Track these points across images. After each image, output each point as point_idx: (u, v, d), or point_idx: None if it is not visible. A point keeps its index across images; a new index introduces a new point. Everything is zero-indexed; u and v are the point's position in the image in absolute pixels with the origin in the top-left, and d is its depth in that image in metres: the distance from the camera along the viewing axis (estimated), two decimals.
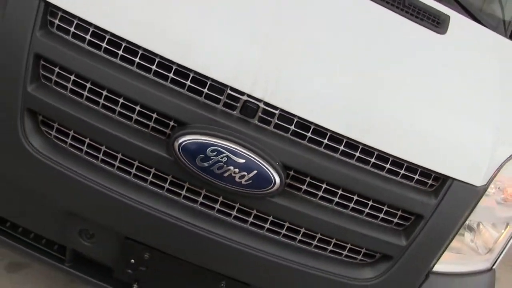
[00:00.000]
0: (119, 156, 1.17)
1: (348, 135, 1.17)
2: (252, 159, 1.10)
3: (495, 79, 1.47)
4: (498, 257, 1.53)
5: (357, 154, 1.19)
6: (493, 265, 1.54)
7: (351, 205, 1.22)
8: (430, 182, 1.25)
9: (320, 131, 1.17)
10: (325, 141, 1.17)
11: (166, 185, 1.18)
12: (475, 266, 1.49)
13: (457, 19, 1.55)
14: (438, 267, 1.37)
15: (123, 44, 1.12)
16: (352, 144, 1.18)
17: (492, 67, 1.51)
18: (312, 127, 1.16)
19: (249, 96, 1.14)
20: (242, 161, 1.10)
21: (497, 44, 1.66)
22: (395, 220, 1.26)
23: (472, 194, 1.27)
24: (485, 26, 1.71)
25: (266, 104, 1.14)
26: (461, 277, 1.44)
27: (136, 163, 1.17)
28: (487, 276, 1.53)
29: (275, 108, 1.14)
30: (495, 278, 1.62)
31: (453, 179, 1.24)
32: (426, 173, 1.24)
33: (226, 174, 1.10)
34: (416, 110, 1.26)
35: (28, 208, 1.26)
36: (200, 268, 1.23)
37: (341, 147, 1.18)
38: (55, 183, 1.18)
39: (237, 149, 1.10)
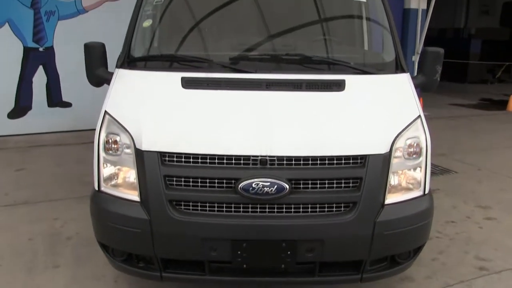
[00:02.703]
0: (216, 204, 2.47)
1: (311, 155, 2.47)
2: (272, 181, 2.40)
3: (377, 100, 2.79)
4: (425, 186, 2.74)
5: (319, 161, 2.48)
6: (425, 192, 2.74)
7: (326, 185, 2.48)
8: (360, 161, 2.52)
9: (299, 157, 2.47)
10: (302, 162, 2.47)
11: (241, 209, 2.47)
12: (413, 195, 2.70)
13: (351, 79, 2.87)
14: (389, 201, 2.59)
15: (200, 156, 2.47)
16: (315, 157, 2.48)
17: (374, 94, 2.83)
18: (293, 157, 2.46)
19: (261, 156, 2.45)
20: (268, 183, 2.40)
21: (378, 80, 2.99)
22: (351, 184, 2.51)
23: (382, 158, 2.53)
24: (373, 73, 3.03)
25: (269, 157, 2.46)
26: (405, 203, 2.65)
27: (224, 205, 2.47)
28: (424, 199, 2.74)
29: (273, 157, 2.46)
30: (433, 200, 2.81)
31: (369, 155, 2.51)
32: (356, 157, 2.52)
33: (264, 192, 2.40)
34: (339, 130, 2.57)
35: (180, 246, 2.54)
36: (270, 240, 2.48)
37: (310, 162, 2.47)
38: (192, 227, 2.47)
39: (265, 180, 2.41)
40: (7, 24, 7.42)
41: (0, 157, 6.55)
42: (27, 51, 7.65)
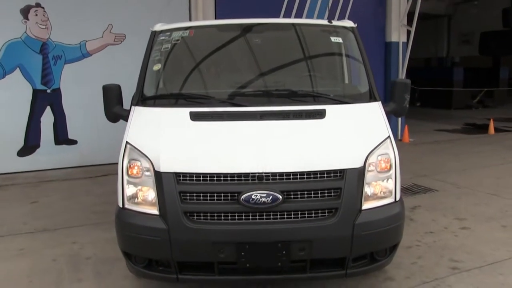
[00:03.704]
0: (222, 214, 2.99)
1: (299, 171, 3.02)
2: (268, 193, 2.94)
3: (352, 124, 3.36)
4: (396, 193, 3.27)
5: (305, 175, 3.02)
6: (396, 199, 3.28)
7: (312, 194, 3.02)
8: (339, 174, 3.07)
9: (289, 173, 3.01)
10: (291, 176, 3.01)
11: (243, 217, 2.99)
12: (386, 202, 3.24)
13: (331, 108, 3.46)
14: (365, 207, 3.12)
15: (208, 174, 3.00)
16: (303, 172, 3.02)
17: (350, 120, 3.40)
18: (285, 173, 3.01)
19: (258, 173, 3.00)
20: (265, 195, 2.94)
21: (354, 108, 3.57)
22: (333, 194, 3.05)
23: (357, 171, 3.09)
24: (349, 103, 3.63)
25: (264, 173, 3.00)
26: (379, 208, 3.18)
27: (229, 214, 2.99)
28: (395, 204, 3.28)
29: (268, 173, 3.01)
30: (403, 205, 3.34)
31: (346, 169, 3.06)
32: (336, 171, 3.06)
33: (261, 202, 2.93)
34: (321, 150, 3.13)
35: (193, 250, 3.04)
36: (268, 242, 2.99)
37: (298, 176, 3.02)
38: (203, 234, 2.98)
39: (262, 192, 2.94)
40: (18, 68, 8.01)
41: (13, 192, 7.02)
42: (35, 93, 8.20)
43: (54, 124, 8.42)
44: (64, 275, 4.08)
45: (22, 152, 8.22)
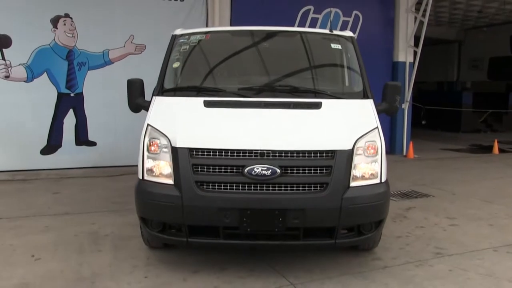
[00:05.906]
0: (228, 184, 3.46)
1: (295, 149, 3.50)
2: (268, 166, 3.42)
3: (345, 115, 3.84)
4: (381, 176, 3.71)
5: (301, 154, 3.50)
6: (381, 180, 3.71)
7: (307, 170, 3.48)
8: (330, 154, 3.54)
9: (287, 151, 3.49)
10: (289, 154, 3.49)
11: (246, 187, 3.46)
12: (372, 182, 3.68)
13: (326, 102, 3.95)
14: (353, 184, 3.57)
15: (217, 150, 3.49)
16: (299, 151, 3.50)
17: (344, 111, 3.88)
18: (283, 151, 3.48)
19: (260, 150, 3.48)
20: (265, 168, 3.42)
21: (348, 103, 4.06)
22: (324, 171, 3.51)
23: (346, 153, 3.55)
24: (344, 99, 4.12)
25: (266, 150, 3.49)
26: (365, 186, 3.63)
27: (234, 184, 3.46)
28: (380, 185, 3.72)
29: (269, 150, 3.49)
30: (388, 186, 3.78)
31: (337, 150, 3.53)
32: (328, 151, 3.53)
33: (262, 174, 3.41)
34: (315, 133, 3.62)
35: (202, 215, 3.49)
36: (267, 209, 3.44)
37: (295, 154, 3.49)
38: (211, 200, 3.45)
39: (263, 165, 3.42)
40: (45, 73, 8.64)
41: (37, 185, 7.56)
42: (60, 96, 8.79)
43: (76, 126, 8.97)
44: (85, 246, 4.55)
45: (45, 151, 8.77)
